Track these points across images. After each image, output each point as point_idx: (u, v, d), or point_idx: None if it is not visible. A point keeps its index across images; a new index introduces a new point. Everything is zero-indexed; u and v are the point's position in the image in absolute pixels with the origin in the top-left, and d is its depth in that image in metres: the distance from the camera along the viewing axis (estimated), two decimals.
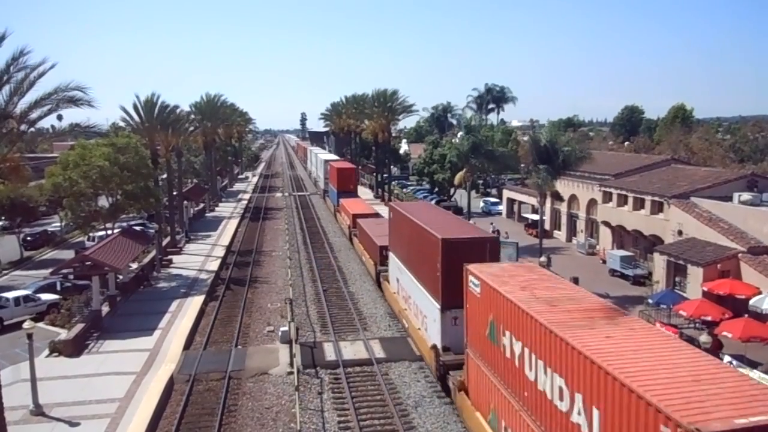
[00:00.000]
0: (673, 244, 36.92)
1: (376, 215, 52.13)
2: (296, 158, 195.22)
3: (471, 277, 19.26)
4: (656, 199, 40.97)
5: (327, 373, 25.35)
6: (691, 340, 27.38)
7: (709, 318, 28.07)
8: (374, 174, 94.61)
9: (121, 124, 54.14)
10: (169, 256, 46.90)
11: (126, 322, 31.95)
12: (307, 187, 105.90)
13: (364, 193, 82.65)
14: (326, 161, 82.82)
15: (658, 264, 37.24)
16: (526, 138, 72.42)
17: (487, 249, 22.70)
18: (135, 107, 49.93)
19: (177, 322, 31.71)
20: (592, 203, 51.20)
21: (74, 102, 22.09)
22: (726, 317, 27.63)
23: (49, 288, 35.81)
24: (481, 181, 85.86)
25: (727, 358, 24.72)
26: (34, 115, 21.47)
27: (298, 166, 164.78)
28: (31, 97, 21.01)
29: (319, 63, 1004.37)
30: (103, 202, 43.39)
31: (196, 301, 35.33)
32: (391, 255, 33.34)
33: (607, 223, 47.50)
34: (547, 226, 52.32)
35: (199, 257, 47.87)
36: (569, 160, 40.36)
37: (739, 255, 32.20)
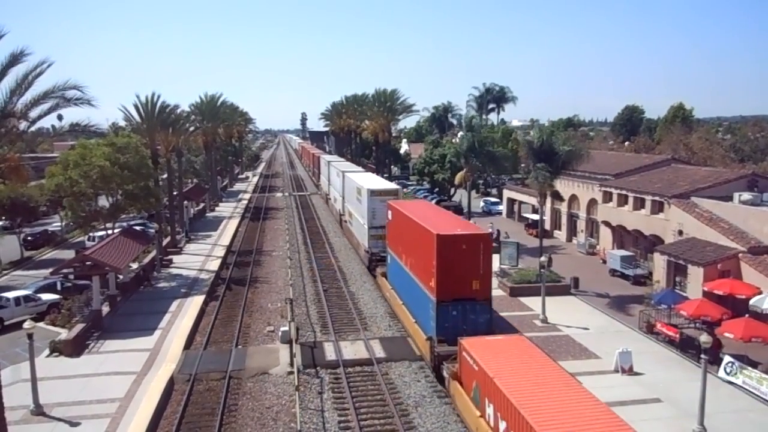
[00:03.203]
0: (674, 244, 36.89)
1: None
2: (299, 163, 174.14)
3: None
4: (656, 198, 40.95)
5: (327, 373, 25.35)
6: (692, 340, 27.44)
7: (709, 318, 28.06)
8: (374, 174, 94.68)
9: (122, 123, 54.29)
10: (170, 256, 46.90)
11: (126, 322, 31.96)
12: (307, 187, 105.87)
13: None
14: (374, 193, 40.97)
15: (659, 264, 37.22)
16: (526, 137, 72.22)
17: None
18: (135, 107, 50.10)
19: (177, 322, 31.71)
20: (592, 203, 51.17)
21: (73, 102, 22.06)
22: (726, 317, 27.62)
23: (50, 288, 35.82)
24: (481, 181, 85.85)
25: (728, 358, 24.72)
26: (33, 114, 21.47)
27: (299, 166, 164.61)
28: (29, 96, 21.02)
29: (319, 63, 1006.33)
30: (104, 202, 43.42)
31: (196, 301, 35.33)
32: None
33: (607, 223, 47.47)
34: (547, 226, 52.26)
35: (200, 257, 47.87)
36: (568, 159, 40.31)
37: (740, 255, 32.18)
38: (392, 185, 47.47)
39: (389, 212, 35.24)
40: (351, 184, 50.77)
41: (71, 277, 37.01)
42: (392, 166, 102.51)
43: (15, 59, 19.79)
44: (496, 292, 37.03)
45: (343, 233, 56.56)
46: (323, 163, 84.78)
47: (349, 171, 59.42)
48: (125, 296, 36.24)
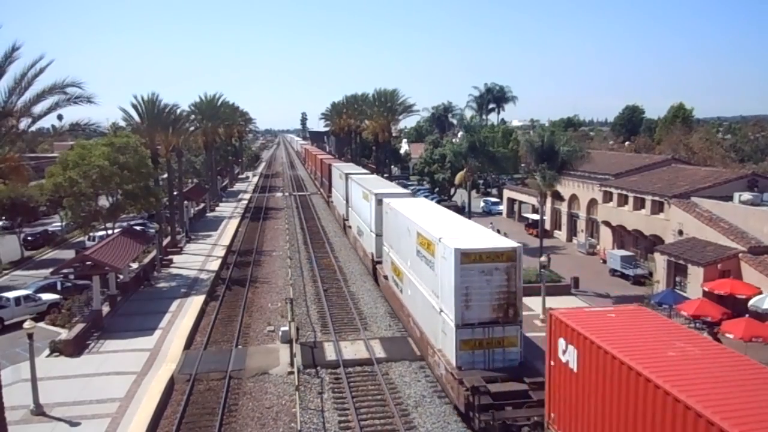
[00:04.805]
0: (674, 244, 36.87)
1: None
2: (299, 164, 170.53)
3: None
4: (657, 198, 40.93)
5: (327, 373, 25.34)
6: None
7: (709, 318, 28.04)
8: (375, 174, 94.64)
9: (122, 123, 54.23)
10: (170, 256, 46.89)
11: (126, 322, 31.96)
12: (307, 187, 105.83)
13: None
14: (467, 257, 20.74)
15: (659, 264, 37.20)
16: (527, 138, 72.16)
17: None
18: (135, 107, 50.03)
19: (177, 322, 31.70)
20: (592, 203, 51.16)
21: (73, 100, 22.05)
22: (726, 317, 27.60)
23: (50, 288, 35.78)
24: (481, 181, 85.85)
25: None
26: (34, 112, 21.45)
27: (299, 166, 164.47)
28: (29, 95, 21.01)
29: (319, 63, 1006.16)
30: (104, 201, 43.41)
31: (196, 301, 35.33)
32: None
33: (607, 223, 47.46)
34: (547, 226, 52.26)
35: (200, 257, 47.86)
36: (569, 160, 40.32)
37: (740, 255, 32.16)
38: (504, 241, 23.52)
39: (573, 350, 15.75)
40: (400, 222, 29.87)
41: (71, 277, 37.00)
42: (392, 166, 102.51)
43: (12, 52, 19.74)
44: None
45: (384, 297, 35.04)
46: (337, 175, 61.59)
47: (390, 195, 37.20)
48: (125, 296, 36.24)
